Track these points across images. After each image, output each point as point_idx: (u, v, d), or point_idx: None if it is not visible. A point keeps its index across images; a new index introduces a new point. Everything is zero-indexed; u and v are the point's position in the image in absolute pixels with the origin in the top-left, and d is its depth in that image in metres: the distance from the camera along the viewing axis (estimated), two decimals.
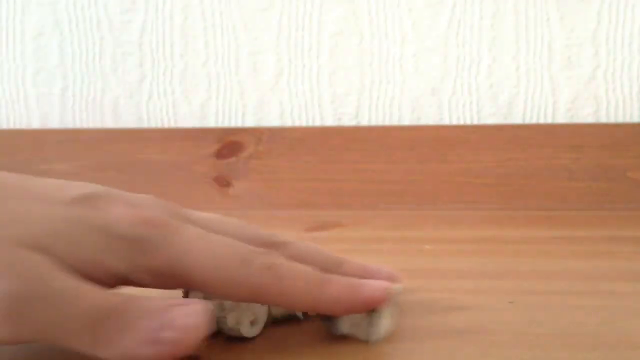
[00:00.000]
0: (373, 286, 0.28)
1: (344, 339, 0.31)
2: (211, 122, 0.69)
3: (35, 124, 0.71)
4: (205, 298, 0.29)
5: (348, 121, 0.67)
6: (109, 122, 0.70)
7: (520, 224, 0.56)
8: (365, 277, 0.30)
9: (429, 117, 0.65)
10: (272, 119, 0.68)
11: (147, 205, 0.27)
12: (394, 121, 0.66)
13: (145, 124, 0.70)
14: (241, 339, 0.31)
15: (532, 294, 0.37)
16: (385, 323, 0.31)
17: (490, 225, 0.56)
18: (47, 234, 0.23)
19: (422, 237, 0.52)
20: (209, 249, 0.26)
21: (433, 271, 0.37)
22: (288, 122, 0.68)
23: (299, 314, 0.33)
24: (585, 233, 0.52)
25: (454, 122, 0.65)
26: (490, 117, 0.65)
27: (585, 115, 0.64)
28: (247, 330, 0.30)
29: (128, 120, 0.70)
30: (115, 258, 0.24)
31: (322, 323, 0.31)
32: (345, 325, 0.30)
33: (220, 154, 0.66)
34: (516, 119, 0.64)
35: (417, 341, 0.30)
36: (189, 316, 0.23)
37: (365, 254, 0.47)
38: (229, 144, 0.66)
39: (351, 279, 0.29)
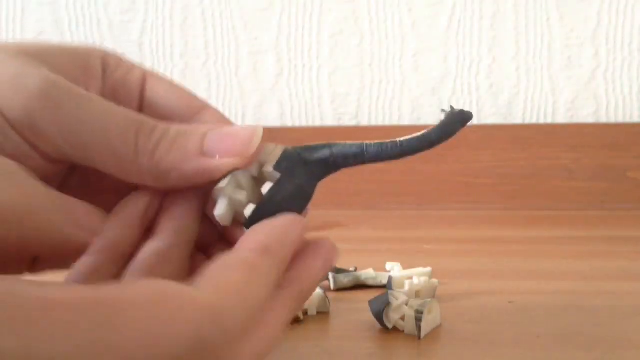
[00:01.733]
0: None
1: (343, 339, 0.31)
2: None
3: None
4: None
5: (348, 121, 0.67)
6: None
7: (520, 224, 0.56)
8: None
9: (429, 117, 0.65)
10: (272, 119, 0.68)
11: None
12: (394, 121, 0.66)
13: None
14: None
15: (532, 294, 0.37)
16: (431, 319, 0.31)
17: (490, 225, 0.56)
18: None
19: (422, 237, 0.52)
20: None
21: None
22: (288, 122, 0.68)
23: (300, 314, 0.33)
24: (585, 233, 0.52)
25: None
26: (490, 117, 0.65)
27: (585, 115, 0.64)
28: None
29: None
30: None
31: (372, 316, 0.31)
32: (393, 321, 0.31)
33: None
34: (516, 119, 0.64)
35: (415, 341, 0.30)
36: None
37: (365, 254, 0.47)
38: None
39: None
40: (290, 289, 0.21)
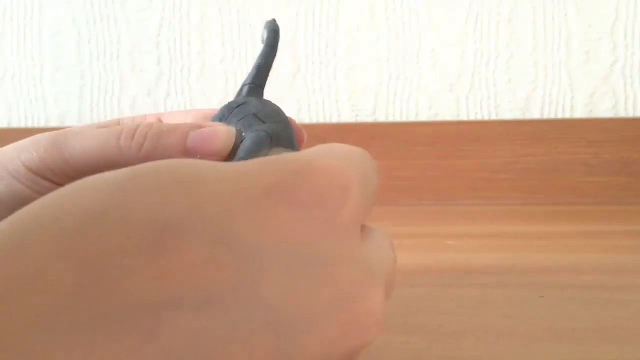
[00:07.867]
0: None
1: None
2: None
3: (54, 122, 0.72)
4: None
5: (365, 118, 0.67)
6: None
7: (540, 219, 0.56)
8: None
9: (447, 112, 0.65)
10: (289, 116, 0.68)
11: None
12: (412, 117, 0.66)
13: None
14: None
15: (562, 288, 0.37)
16: None
17: (509, 220, 0.56)
18: None
19: (443, 233, 0.52)
20: None
21: (458, 266, 0.37)
22: (305, 119, 0.68)
23: None
24: (605, 227, 0.52)
25: (472, 117, 0.65)
26: (508, 112, 0.65)
27: (604, 109, 0.64)
28: None
29: None
30: None
31: None
32: None
33: None
34: (534, 114, 0.64)
35: (431, 336, 0.30)
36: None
37: None
38: None
39: None
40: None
